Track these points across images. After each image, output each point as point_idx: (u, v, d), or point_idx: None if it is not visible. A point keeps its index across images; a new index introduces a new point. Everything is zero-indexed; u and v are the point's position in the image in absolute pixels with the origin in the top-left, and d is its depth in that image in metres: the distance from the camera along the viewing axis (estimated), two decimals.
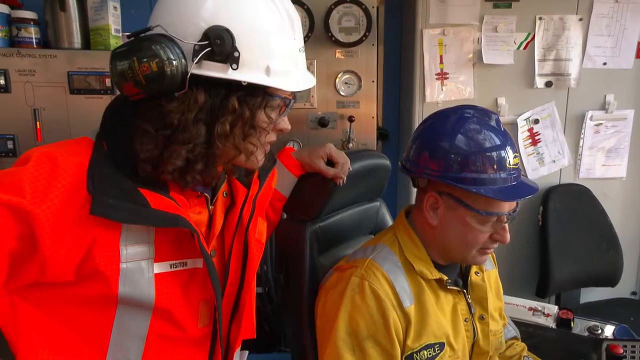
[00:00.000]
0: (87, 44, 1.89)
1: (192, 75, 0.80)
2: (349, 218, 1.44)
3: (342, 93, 2.21)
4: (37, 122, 1.81)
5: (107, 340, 0.87)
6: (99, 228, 0.80)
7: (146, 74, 0.77)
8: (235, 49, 0.82)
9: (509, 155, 1.10)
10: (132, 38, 0.81)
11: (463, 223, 1.12)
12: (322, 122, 2.19)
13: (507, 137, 1.12)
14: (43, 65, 1.79)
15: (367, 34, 2.14)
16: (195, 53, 0.80)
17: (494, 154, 1.09)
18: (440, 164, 1.11)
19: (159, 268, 0.87)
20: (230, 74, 0.83)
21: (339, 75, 2.19)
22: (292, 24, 0.89)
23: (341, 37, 2.15)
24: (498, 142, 1.10)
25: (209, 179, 0.92)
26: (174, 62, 0.78)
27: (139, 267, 0.85)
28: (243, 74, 0.83)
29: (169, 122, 0.82)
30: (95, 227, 0.80)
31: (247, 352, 1.19)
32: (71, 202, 0.78)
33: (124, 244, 0.83)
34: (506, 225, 1.13)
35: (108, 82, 1.80)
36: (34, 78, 1.80)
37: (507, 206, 1.11)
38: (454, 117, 1.15)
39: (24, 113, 1.81)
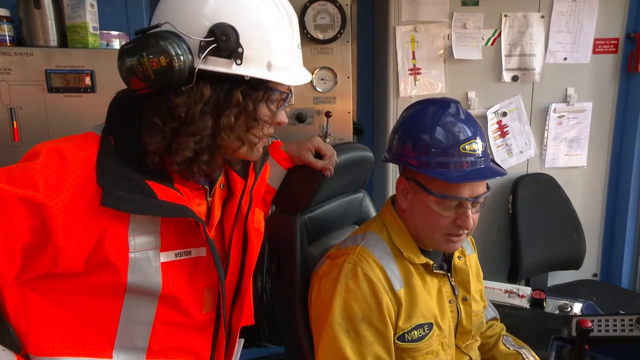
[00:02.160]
0: (63, 42, 1.86)
1: (198, 70, 0.83)
2: (335, 209, 1.48)
3: (318, 89, 2.25)
4: (14, 122, 1.77)
5: (115, 327, 0.90)
6: (109, 219, 0.83)
7: (155, 68, 0.80)
8: (240, 45, 0.85)
9: (472, 142, 1.15)
10: (140, 35, 0.83)
11: (425, 207, 1.17)
12: (300, 118, 2.23)
13: (470, 123, 1.17)
14: (19, 63, 1.75)
15: (342, 31, 2.19)
16: (202, 49, 0.83)
17: (458, 141, 1.14)
18: (407, 150, 1.18)
19: (165, 257, 0.90)
20: (235, 69, 0.86)
21: (315, 72, 2.23)
22: (290, 21, 0.93)
23: (316, 34, 2.19)
24: (466, 128, 1.16)
25: (212, 170, 0.95)
26: (182, 58, 0.81)
27: (146, 256, 0.88)
28: (246, 69, 0.87)
29: (177, 115, 0.84)
30: (105, 218, 0.82)
31: (242, 339, 1.22)
32: (82, 195, 0.80)
33: (132, 234, 0.86)
34: (469, 211, 1.16)
35: (88, 80, 1.78)
36: (9, 76, 1.76)
37: (467, 191, 1.14)
38: (431, 109, 1.21)
39: (0, 112, 1.78)
